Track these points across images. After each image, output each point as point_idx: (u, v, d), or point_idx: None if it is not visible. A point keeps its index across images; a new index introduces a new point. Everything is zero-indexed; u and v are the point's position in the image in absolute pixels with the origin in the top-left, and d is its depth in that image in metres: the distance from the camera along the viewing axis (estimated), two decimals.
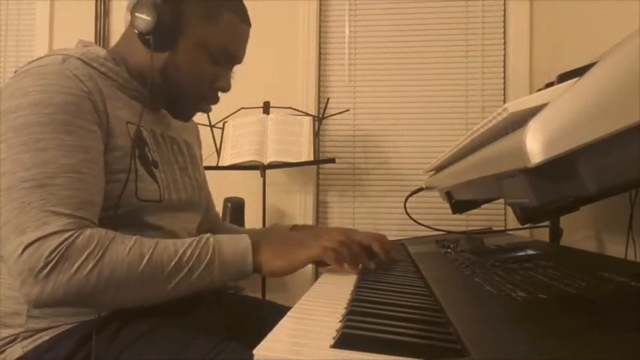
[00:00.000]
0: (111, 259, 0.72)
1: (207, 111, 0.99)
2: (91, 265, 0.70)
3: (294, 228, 1.14)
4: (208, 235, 0.81)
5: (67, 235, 0.70)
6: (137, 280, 0.73)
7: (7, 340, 0.80)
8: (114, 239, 0.73)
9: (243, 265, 0.80)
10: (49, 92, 0.75)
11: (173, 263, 0.75)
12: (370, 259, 0.89)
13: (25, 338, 0.79)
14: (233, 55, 0.93)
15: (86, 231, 0.72)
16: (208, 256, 0.77)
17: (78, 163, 0.75)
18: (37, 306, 0.71)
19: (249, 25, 0.95)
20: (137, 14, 0.85)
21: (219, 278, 0.78)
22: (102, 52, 0.88)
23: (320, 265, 0.94)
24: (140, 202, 0.84)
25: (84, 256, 0.70)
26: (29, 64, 0.80)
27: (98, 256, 0.71)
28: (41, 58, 0.82)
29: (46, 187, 0.71)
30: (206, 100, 0.96)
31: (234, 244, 0.81)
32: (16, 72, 0.82)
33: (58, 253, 0.69)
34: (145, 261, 0.73)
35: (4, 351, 0.80)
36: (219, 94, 0.97)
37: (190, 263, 0.76)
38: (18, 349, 0.79)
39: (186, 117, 0.99)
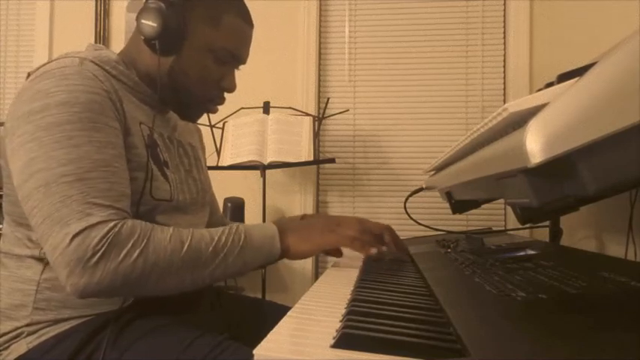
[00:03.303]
0: (155, 247, 0.75)
1: (214, 112, 1.01)
2: (137, 253, 0.73)
3: (304, 217, 1.16)
4: (237, 223, 0.86)
5: (111, 224, 0.72)
6: (179, 266, 0.76)
7: (12, 335, 0.81)
8: (154, 228, 0.77)
9: (271, 249, 0.85)
10: (74, 92, 0.77)
11: (210, 249, 0.79)
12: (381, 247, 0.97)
13: (29, 334, 0.80)
14: (237, 56, 0.95)
15: (128, 221, 0.75)
16: (241, 242, 0.82)
17: (109, 158, 0.77)
18: (84, 295, 0.72)
19: (251, 26, 0.97)
20: (143, 20, 0.88)
21: (250, 263, 0.83)
22: (113, 55, 0.90)
23: (328, 253, 1.00)
24: (154, 201, 0.86)
25: (130, 244, 0.73)
26: (45, 67, 0.82)
27: (143, 243, 0.74)
28: (56, 60, 0.83)
29: (84, 180, 0.74)
30: (213, 101, 0.98)
31: (263, 231, 0.86)
32: (29, 75, 0.82)
33: (106, 242, 0.71)
34: (185, 247, 0.77)
35: (8, 347, 0.81)
36: (225, 94, 0.99)
37: (225, 249, 0.80)
38: (23, 346, 0.80)
39: (194, 118, 1.01)
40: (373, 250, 0.92)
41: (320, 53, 2.35)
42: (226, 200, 2.06)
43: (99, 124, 0.78)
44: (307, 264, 2.25)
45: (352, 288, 0.74)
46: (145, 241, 0.74)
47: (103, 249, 0.70)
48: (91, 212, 0.72)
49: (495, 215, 2.20)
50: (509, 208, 2.09)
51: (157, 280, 0.75)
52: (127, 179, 0.80)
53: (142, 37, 0.89)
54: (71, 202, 0.72)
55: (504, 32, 2.23)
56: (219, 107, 1.00)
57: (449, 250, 1.13)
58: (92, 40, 2.40)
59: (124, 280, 0.72)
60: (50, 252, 0.72)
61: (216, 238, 0.80)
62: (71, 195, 0.72)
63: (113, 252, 0.71)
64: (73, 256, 0.70)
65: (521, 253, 0.99)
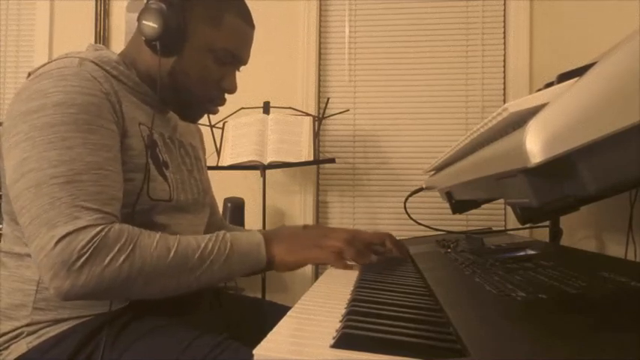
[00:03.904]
0: (141, 252, 0.74)
1: (214, 112, 1.01)
2: (122, 258, 0.73)
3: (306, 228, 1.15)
4: (224, 231, 0.86)
5: (98, 229, 0.72)
6: (164, 272, 0.76)
7: (12, 335, 0.81)
8: (141, 233, 0.77)
9: (257, 257, 0.85)
10: (71, 93, 0.77)
11: (197, 256, 0.79)
12: (382, 254, 0.97)
13: (29, 334, 0.80)
14: (238, 56, 0.95)
15: (115, 225, 0.74)
16: (227, 250, 0.82)
17: (102, 160, 0.77)
18: (68, 298, 0.72)
19: (252, 27, 0.97)
20: (144, 21, 0.87)
21: (236, 270, 0.83)
22: (114, 56, 0.90)
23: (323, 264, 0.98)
24: (151, 202, 0.86)
25: (116, 249, 0.72)
26: (44, 67, 0.82)
27: (129, 249, 0.73)
28: (56, 60, 0.83)
29: (74, 183, 0.73)
30: (213, 102, 0.98)
31: (249, 239, 0.86)
32: (29, 74, 0.83)
33: (91, 246, 0.71)
34: (172, 254, 0.77)
35: (8, 347, 0.81)
36: (225, 95, 0.98)
37: (212, 256, 0.80)
38: (22, 346, 0.80)
39: (194, 119, 1.01)
40: (351, 264, 0.91)
41: (320, 53, 2.35)
42: (226, 200, 2.06)
43: (94, 126, 0.78)
44: None
45: (352, 288, 0.74)
46: (132, 246, 0.74)
47: (89, 253, 0.70)
48: (79, 215, 0.72)
49: (495, 215, 2.20)
50: (509, 208, 2.09)
51: (143, 285, 0.75)
52: (120, 182, 0.80)
53: (143, 38, 0.89)
54: (60, 204, 0.72)
55: (504, 32, 2.23)
56: (220, 108, 1.00)
57: (449, 250, 1.13)
58: (92, 40, 2.40)
59: (109, 285, 0.72)
60: (36, 253, 0.72)
61: (202, 245, 0.80)
62: (60, 197, 0.72)
63: (99, 256, 0.71)
64: (57, 259, 0.70)
65: (521, 253, 0.99)
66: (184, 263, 0.78)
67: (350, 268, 0.91)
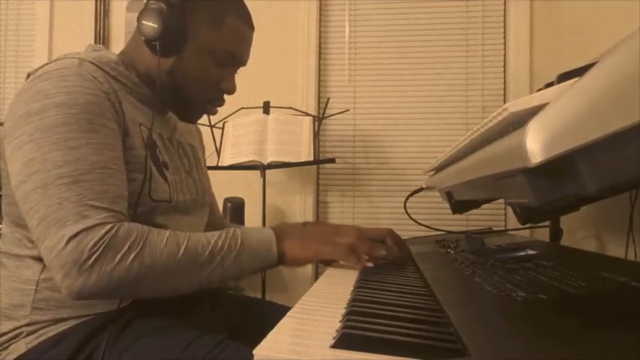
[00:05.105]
0: (151, 250, 0.74)
1: (213, 113, 1.01)
2: (133, 256, 0.73)
3: (306, 225, 1.15)
4: (235, 227, 0.86)
5: (108, 227, 0.72)
6: (175, 269, 0.76)
7: (11, 335, 0.81)
8: (151, 231, 0.77)
9: (268, 253, 0.84)
10: (73, 93, 0.77)
11: (207, 253, 0.79)
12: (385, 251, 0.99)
13: (29, 334, 0.80)
14: (238, 58, 0.95)
15: (125, 224, 0.74)
16: (237, 247, 0.81)
17: (107, 159, 0.77)
18: (79, 297, 0.72)
19: (252, 29, 0.97)
20: (143, 21, 0.87)
21: (247, 267, 0.83)
22: (113, 56, 0.90)
23: (325, 263, 0.98)
24: (152, 202, 0.86)
25: (126, 247, 0.72)
26: (44, 68, 0.82)
27: (139, 246, 0.74)
28: (56, 61, 0.83)
29: (80, 182, 0.74)
30: (212, 102, 0.98)
31: (260, 235, 0.85)
32: (29, 75, 0.83)
33: (102, 244, 0.71)
34: (182, 251, 0.76)
35: (8, 347, 0.81)
36: (224, 96, 0.98)
37: (222, 253, 0.80)
38: (22, 346, 0.80)
39: (193, 119, 1.01)
40: (368, 264, 0.91)
41: (320, 53, 2.35)
42: (226, 200, 2.06)
43: (97, 125, 0.78)
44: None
45: (352, 288, 0.74)
46: (142, 244, 0.74)
47: (99, 252, 0.70)
48: (88, 214, 0.72)
49: (495, 215, 2.20)
50: (509, 208, 2.09)
51: (153, 283, 0.75)
52: (125, 181, 0.80)
53: (143, 38, 0.89)
54: (68, 204, 0.72)
55: (504, 32, 2.24)
56: (219, 108, 1.00)
57: (449, 250, 1.13)
58: (92, 41, 2.40)
59: (119, 283, 0.72)
60: (46, 254, 0.72)
61: (212, 242, 0.80)
62: (68, 197, 0.72)
63: (109, 255, 0.71)
64: (68, 258, 0.70)
65: (522, 253, 0.99)
66: (194, 260, 0.77)
67: (364, 263, 0.91)
